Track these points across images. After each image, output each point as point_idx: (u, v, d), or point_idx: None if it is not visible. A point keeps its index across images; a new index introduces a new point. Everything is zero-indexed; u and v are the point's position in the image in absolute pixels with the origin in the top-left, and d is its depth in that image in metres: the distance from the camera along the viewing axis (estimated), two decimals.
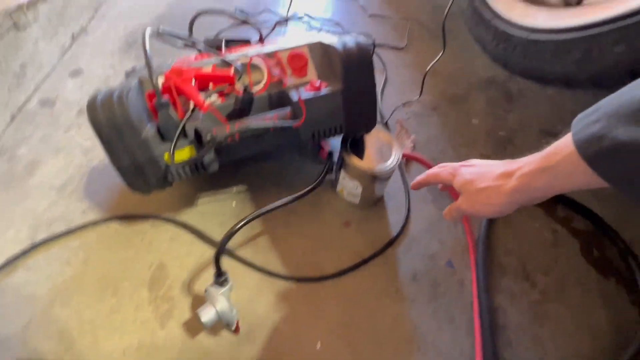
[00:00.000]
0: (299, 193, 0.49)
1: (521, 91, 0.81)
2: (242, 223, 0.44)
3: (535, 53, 0.39)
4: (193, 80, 0.42)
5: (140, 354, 0.42)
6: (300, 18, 0.95)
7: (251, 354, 0.43)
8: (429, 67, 0.71)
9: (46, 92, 0.68)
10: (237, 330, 0.43)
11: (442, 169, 0.43)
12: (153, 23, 0.88)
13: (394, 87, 0.80)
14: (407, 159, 0.64)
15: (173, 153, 0.39)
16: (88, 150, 0.60)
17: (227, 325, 0.43)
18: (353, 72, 0.43)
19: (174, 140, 0.39)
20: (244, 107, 0.43)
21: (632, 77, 0.26)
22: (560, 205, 0.62)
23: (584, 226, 0.60)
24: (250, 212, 0.48)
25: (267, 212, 0.47)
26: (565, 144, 0.29)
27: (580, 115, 0.28)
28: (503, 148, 0.70)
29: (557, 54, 0.36)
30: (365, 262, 0.52)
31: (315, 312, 0.47)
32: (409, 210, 0.58)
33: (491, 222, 0.58)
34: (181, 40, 0.49)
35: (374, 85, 0.45)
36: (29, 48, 0.66)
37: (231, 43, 0.58)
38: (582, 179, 0.28)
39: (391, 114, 0.72)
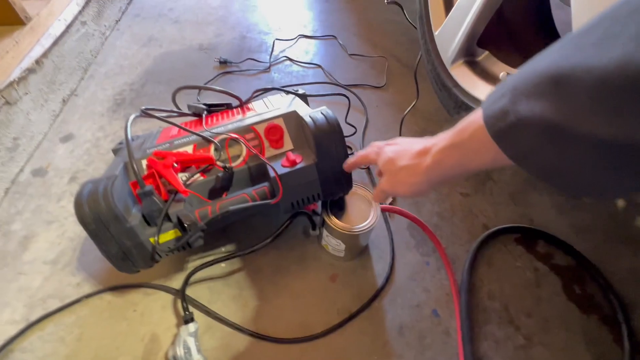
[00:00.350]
0: (261, 244, 0.51)
1: None
2: (204, 264, 0.51)
3: None
4: (174, 164, 0.45)
5: None
6: (282, 61, 0.99)
7: None
8: (404, 113, 0.74)
9: (38, 161, 0.71)
10: None
11: (369, 149, 0.42)
12: (140, 78, 0.92)
13: (376, 127, 0.83)
14: (392, 212, 0.66)
15: (157, 240, 0.41)
16: None
17: None
18: (325, 145, 0.45)
19: (158, 228, 0.41)
20: (224, 184, 0.46)
21: None
22: (541, 242, 0.64)
23: (565, 262, 0.61)
24: (239, 271, 0.50)
25: (230, 257, 0.52)
26: (475, 119, 0.27)
27: (493, 89, 0.26)
28: (482, 185, 0.72)
29: None
30: (352, 317, 0.53)
31: None
32: (392, 258, 0.60)
33: (473, 264, 0.60)
34: (165, 115, 0.52)
35: (345, 153, 0.47)
36: (21, 121, 0.69)
37: (213, 108, 0.62)
38: (490, 156, 0.26)
39: None
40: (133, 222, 0.41)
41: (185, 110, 0.59)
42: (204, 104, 0.60)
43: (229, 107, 0.62)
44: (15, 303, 0.52)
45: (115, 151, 0.55)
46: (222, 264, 0.57)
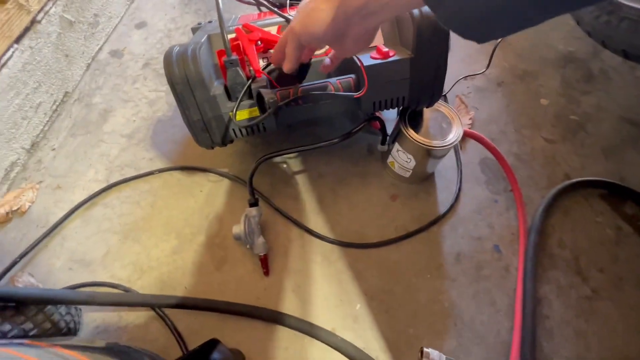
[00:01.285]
0: (330, 141, 0.49)
1: (604, 71, 0.72)
2: (271, 155, 0.50)
3: None
4: (258, 42, 0.42)
5: (197, 291, 0.47)
6: None
7: (296, 305, 0.46)
8: (496, 43, 0.65)
9: (115, 44, 0.72)
10: (266, 269, 0.47)
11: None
12: None
13: (457, 56, 0.74)
14: (465, 137, 0.61)
15: (235, 113, 0.40)
16: (153, 102, 0.64)
17: (252, 250, 0.47)
18: (427, 40, 0.40)
19: (239, 100, 0.40)
20: (302, 72, 0.43)
21: None
22: (630, 202, 0.57)
23: None
24: (301, 174, 0.50)
25: (299, 150, 0.51)
26: None
27: None
28: (572, 134, 0.64)
29: None
30: (409, 235, 0.52)
31: (356, 276, 0.49)
32: (459, 189, 0.57)
33: (548, 209, 0.55)
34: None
35: (446, 58, 0.42)
36: (103, 3, 0.69)
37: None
38: None
39: (451, 87, 0.68)
40: (216, 91, 0.41)
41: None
42: None
43: None
44: (98, 165, 0.56)
45: (194, 29, 0.53)
46: (285, 164, 0.57)
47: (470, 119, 0.64)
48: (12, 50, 0.50)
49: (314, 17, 0.31)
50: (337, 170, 0.58)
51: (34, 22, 0.54)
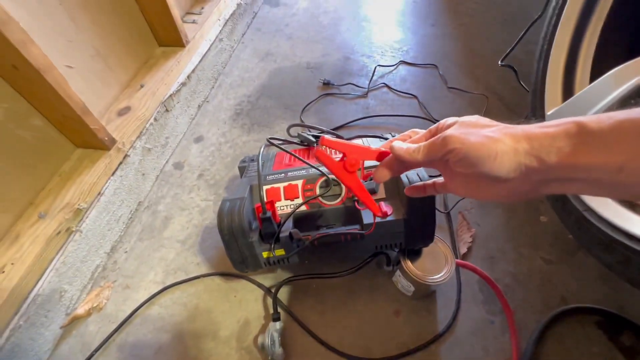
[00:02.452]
0: (343, 272, 0.61)
1: None
2: (293, 278, 0.63)
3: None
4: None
5: None
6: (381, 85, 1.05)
7: None
8: None
9: (178, 157, 0.91)
10: None
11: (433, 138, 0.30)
12: (256, 92, 1.08)
13: None
14: (468, 268, 0.69)
15: (274, 252, 0.53)
16: (203, 210, 0.80)
17: (272, 359, 0.56)
18: (416, 207, 0.51)
19: (273, 245, 0.53)
20: (319, 217, 0.55)
21: None
22: (629, 333, 0.60)
23: None
24: (318, 287, 0.60)
25: (315, 277, 0.64)
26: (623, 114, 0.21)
27: None
28: (570, 255, 0.69)
29: None
30: (409, 353, 0.59)
31: None
32: (457, 309, 0.63)
33: (542, 336, 0.60)
34: (282, 149, 0.63)
35: (433, 216, 0.52)
36: (171, 124, 0.89)
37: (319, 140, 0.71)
38: (621, 157, 0.20)
39: (454, 205, 0.77)
40: (253, 238, 0.54)
41: (294, 138, 0.71)
42: (313, 135, 0.71)
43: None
44: (157, 268, 0.71)
45: (241, 168, 0.69)
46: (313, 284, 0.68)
47: (471, 236, 0.72)
48: (108, 182, 0.68)
49: (493, 149, 0.25)
50: (349, 283, 0.67)
51: (125, 157, 0.72)
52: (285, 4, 1.44)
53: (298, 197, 0.58)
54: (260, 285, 0.67)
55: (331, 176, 0.57)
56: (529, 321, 0.62)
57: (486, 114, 0.95)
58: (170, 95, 0.86)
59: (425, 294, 0.64)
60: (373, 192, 0.56)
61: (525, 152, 0.24)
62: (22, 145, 0.59)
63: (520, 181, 0.25)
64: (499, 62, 0.78)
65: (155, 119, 0.81)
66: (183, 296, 0.67)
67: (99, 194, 0.66)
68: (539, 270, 0.68)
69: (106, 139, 0.67)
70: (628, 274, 0.40)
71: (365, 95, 1.04)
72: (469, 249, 0.71)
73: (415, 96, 1.02)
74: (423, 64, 1.12)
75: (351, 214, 0.56)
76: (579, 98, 0.44)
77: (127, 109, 0.77)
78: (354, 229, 0.54)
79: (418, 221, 0.52)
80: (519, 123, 0.27)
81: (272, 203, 0.56)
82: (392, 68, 1.12)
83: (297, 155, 0.61)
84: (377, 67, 1.10)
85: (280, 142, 0.65)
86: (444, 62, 1.12)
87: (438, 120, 0.93)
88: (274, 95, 1.07)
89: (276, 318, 0.59)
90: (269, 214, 0.53)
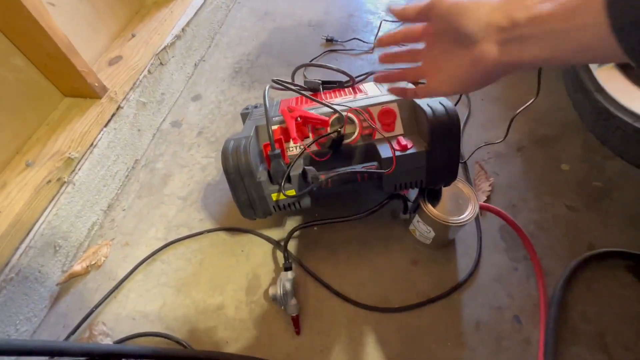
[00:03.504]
0: (357, 215, 0.57)
1: None
2: (304, 225, 0.59)
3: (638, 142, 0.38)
4: (298, 118, 0.51)
5: (238, 346, 0.53)
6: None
7: None
8: (518, 111, 0.70)
9: (175, 115, 0.85)
10: (297, 329, 0.52)
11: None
12: (256, 50, 1.01)
13: (477, 123, 0.80)
14: (491, 211, 0.65)
15: (284, 191, 0.48)
16: (205, 167, 0.75)
17: (285, 310, 0.53)
18: (440, 136, 0.46)
19: (282, 184, 0.48)
20: (334, 146, 0.50)
21: None
22: None
23: None
24: (330, 238, 0.56)
25: (328, 222, 0.60)
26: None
27: None
28: (597, 202, 0.65)
29: None
30: (430, 301, 0.56)
31: (379, 340, 0.53)
32: (479, 256, 0.60)
33: (569, 282, 0.56)
34: (290, 89, 0.58)
35: (458, 149, 0.48)
36: (167, 79, 0.83)
37: (327, 85, 0.66)
38: (591, 39, 0.22)
39: (471, 154, 0.72)
40: (261, 178, 0.49)
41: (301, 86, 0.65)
42: (320, 80, 0.65)
43: (341, 85, 0.66)
44: (158, 225, 0.67)
45: (243, 115, 0.64)
46: (315, 227, 0.64)
47: (490, 185, 0.68)
48: (102, 133, 0.63)
49: (470, 7, 0.28)
50: (363, 234, 0.63)
51: (118, 108, 0.67)
52: None
53: (308, 137, 0.53)
54: (268, 239, 0.63)
55: (346, 113, 0.52)
56: (555, 267, 0.58)
57: None
58: (165, 48, 0.80)
59: (445, 241, 0.60)
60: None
61: (497, 12, 0.27)
62: (4, 86, 0.53)
63: (488, 44, 0.27)
64: None
65: (149, 72, 0.75)
66: (187, 252, 0.63)
67: (92, 145, 0.61)
68: (563, 218, 0.64)
69: (96, 84, 0.62)
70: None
71: (371, 51, 0.98)
72: (488, 197, 0.67)
73: None
74: None
75: (368, 151, 0.52)
76: None
77: (119, 58, 0.71)
78: (371, 165, 0.49)
79: (442, 153, 0.47)
80: None
81: (281, 141, 0.51)
82: (398, 24, 1.05)
83: (306, 94, 0.56)
84: (383, 22, 1.04)
85: (286, 84, 0.59)
86: None
87: None
88: (274, 53, 1.01)
89: (288, 267, 0.56)
90: (278, 151, 0.48)
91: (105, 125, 0.64)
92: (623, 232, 0.61)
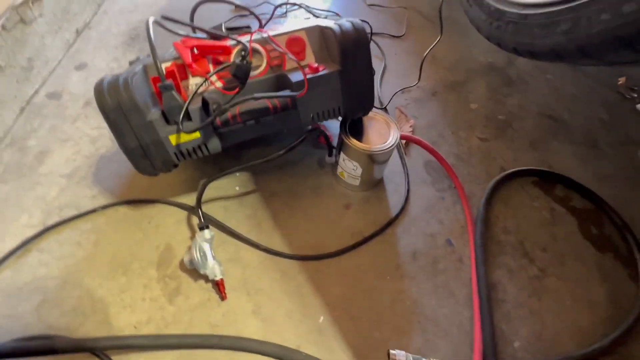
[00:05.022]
0: (277, 153, 0.52)
1: (520, 76, 0.82)
2: (218, 176, 0.52)
3: (526, 28, 0.40)
4: (194, 50, 0.44)
5: (150, 328, 0.43)
6: (297, 8, 0.96)
7: (257, 326, 0.44)
8: (426, 53, 0.72)
9: (53, 86, 0.70)
10: (223, 294, 0.45)
11: None
12: (156, 16, 0.90)
13: (393, 74, 0.81)
14: (406, 142, 0.65)
15: (184, 128, 0.40)
16: (95, 139, 0.62)
17: (207, 275, 0.45)
18: (350, 52, 0.44)
19: (181, 121, 0.40)
20: (241, 75, 0.44)
21: (618, 45, 0.26)
22: (560, 186, 0.63)
23: (582, 205, 0.60)
24: (253, 193, 0.50)
25: (244, 168, 0.55)
26: None
27: None
28: (502, 132, 0.70)
29: (547, 26, 0.37)
30: (365, 240, 0.53)
31: (318, 288, 0.48)
32: (408, 191, 0.59)
33: (490, 201, 0.59)
34: (184, 25, 0.50)
35: (370, 66, 0.46)
36: (36, 43, 0.68)
37: (233, 31, 0.60)
38: None
39: (390, 100, 0.73)
40: (153, 117, 0.41)
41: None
42: (226, 28, 0.59)
43: (248, 29, 0.60)
44: (33, 210, 0.53)
45: (132, 62, 0.54)
46: (237, 187, 0.57)
47: (411, 126, 0.69)
48: None
49: None
50: (290, 186, 0.58)
51: None
52: None
53: (209, 71, 0.46)
54: (181, 205, 0.54)
55: (249, 42, 0.46)
56: (475, 191, 0.60)
57: (407, 23, 0.93)
58: (26, 1, 0.65)
59: (374, 179, 0.58)
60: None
61: None
62: None
63: None
64: None
65: (3, 27, 0.60)
66: (75, 235, 0.51)
67: None
68: (477, 148, 0.67)
69: None
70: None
71: (284, 16, 0.94)
72: (413, 129, 0.67)
73: (337, 14, 0.96)
74: None
75: (279, 82, 0.47)
76: None
77: None
78: (283, 94, 0.44)
79: (355, 72, 0.45)
80: None
81: (174, 76, 0.43)
82: None
83: (205, 29, 0.49)
84: None
85: (178, 21, 0.51)
86: None
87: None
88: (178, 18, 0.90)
89: (203, 227, 0.48)
90: (169, 82, 0.41)
91: None
92: (526, 153, 0.67)
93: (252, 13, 0.57)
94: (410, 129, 0.68)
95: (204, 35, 0.50)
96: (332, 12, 0.96)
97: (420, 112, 0.73)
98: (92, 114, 0.66)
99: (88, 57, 0.77)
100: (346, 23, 0.45)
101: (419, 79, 0.74)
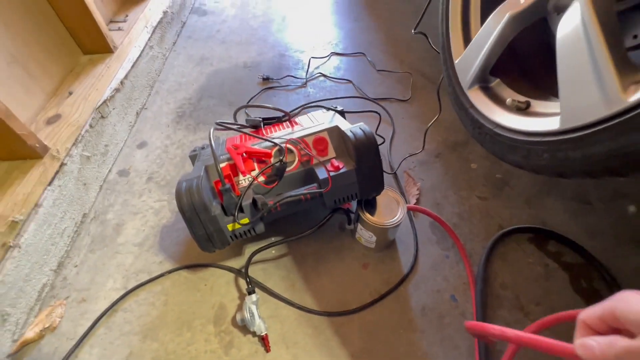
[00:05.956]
0: (307, 232, 0.64)
1: None
2: (261, 249, 0.65)
3: (498, 143, 0.51)
4: (244, 154, 0.58)
5: None
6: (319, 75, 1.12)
7: None
8: (428, 125, 0.84)
9: (122, 164, 0.86)
10: (267, 347, 0.56)
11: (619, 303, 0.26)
12: (196, 94, 1.07)
13: (401, 138, 0.93)
14: (418, 211, 0.76)
15: (237, 219, 0.54)
16: (158, 211, 0.77)
17: (254, 331, 0.57)
18: (363, 155, 0.56)
19: (236, 214, 0.54)
20: (279, 172, 0.57)
21: (559, 176, 0.37)
22: (553, 242, 0.72)
23: (573, 260, 0.69)
24: (287, 257, 0.62)
25: (282, 242, 0.67)
26: None
27: None
28: (499, 190, 0.80)
29: (512, 148, 0.48)
30: (381, 298, 0.63)
31: (343, 341, 0.59)
32: (417, 250, 0.70)
33: (488, 258, 0.68)
34: (232, 129, 0.65)
35: (380, 162, 0.58)
36: (109, 130, 0.85)
37: (267, 121, 0.74)
38: None
39: (399, 166, 0.85)
40: (216, 212, 0.54)
41: (243, 124, 0.73)
42: (261, 118, 0.73)
43: (279, 120, 0.74)
44: (116, 275, 0.67)
45: (192, 157, 0.69)
46: (273, 250, 0.70)
47: (417, 189, 0.80)
48: (46, 192, 0.63)
49: None
50: (316, 249, 0.70)
51: (62, 165, 0.68)
52: (213, 13, 1.46)
53: (255, 169, 0.60)
54: (229, 269, 0.67)
55: (285, 144, 0.60)
56: (476, 249, 0.70)
57: (413, 87, 1.06)
58: (105, 101, 0.82)
59: (387, 242, 0.69)
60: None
61: None
62: None
63: None
64: (412, 31, 0.89)
65: (90, 126, 0.77)
66: (149, 296, 0.64)
67: (37, 205, 0.61)
68: (477, 207, 0.77)
69: (37, 145, 0.63)
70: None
71: (304, 85, 1.10)
72: (418, 200, 0.78)
73: (350, 81, 1.11)
74: (352, 53, 1.22)
75: (308, 176, 0.60)
76: (475, 42, 0.55)
77: (57, 117, 0.72)
78: (311, 187, 0.57)
79: (367, 168, 0.57)
80: None
81: (230, 177, 0.57)
82: (325, 59, 1.19)
83: (247, 131, 0.63)
84: (311, 59, 1.17)
85: (228, 125, 0.66)
86: (371, 49, 1.23)
87: (373, 99, 1.03)
88: (215, 94, 1.07)
89: (251, 291, 0.60)
90: (228, 185, 0.54)
91: (49, 184, 0.64)
92: (521, 211, 0.76)
93: (282, 111, 0.71)
94: (417, 192, 0.79)
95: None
96: (345, 79, 1.11)
97: (426, 174, 0.84)
98: (154, 189, 0.81)
99: (146, 136, 0.94)
100: (359, 131, 0.57)
101: (423, 147, 0.86)
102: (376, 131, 0.90)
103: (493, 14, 0.51)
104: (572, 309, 0.63)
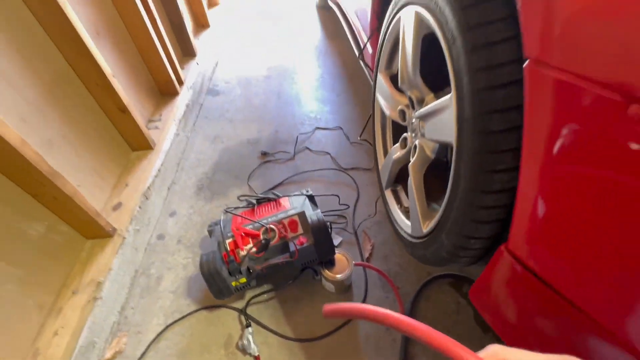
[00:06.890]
0: (287, 283, 0.93)
1: None
2: (257, 294, 0.90)
3: (401, 238, 0.81)
4: (243, 234, 0.90)
5: None
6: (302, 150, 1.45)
7: None
8: (379, 196, 1.14)
9: (159, 230, 1.20)
10: None
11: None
12: (211, 169, 1.42)
13: (364, 201, 1.24)
14: (362, 266, 1.05)
15: (239, 281, 0.85)
16: (185, 266, 1.09)
17: (250, 353, 0.85)
18: (317, 233, 0.87)
19: (237, 277, 0.85)
20: (264, 246, 0.89)
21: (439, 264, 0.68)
22: (466, 284, 0.99)
23: None
24: (274, 300, 0.93)
25: (271, 290, 0.95)
26: None
27: None
28: None
29: (426, 244, 0.78)
30: (338, 329, 0.92)
31: (310, 359, 0.87)
32: (366, 293, 0.99)
33: (416, 298, 0.96)
34: (235, 214, 0.97)
35: (329, 237, 0.89)
36: (151, 207, 1.19)
37: (260, 200, 1.07)
38: None
39: (358, 226, 1.15)
40: (224, 275, 0.86)
41: (242, 203, 1.05)
42: (256, 197, 1.06)
43: (269, 200, 1.06)
44: (159, 314, 0.98)
45: (209, 231, 1.01)
46: (265, 295, 1.00)
47: (371, 245, 1.10)
48: (115, 259, 0.96)
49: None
50: (295, 294, 1.00)
51: (123, 239, 1.01)
52: (224, 92, 1.85)
53: (249, 243, 0.91)
54: (234, 309, 0.97)
55: (269, 225, 0.92)
56: (410, 291, 0.98)
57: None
58: (148, 187, 1.17)
59: (344, 288, 0.98)
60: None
61: None
62: (52, 244, 0.86)
63: None
64: (358, 137, 1.22)
65: (139, 207, 1.11)
66: (181, 329, 0.95)
67: (110, 269, 0.94)
68: (413, 259, 1.06)
69: (110, 229, 0.97)
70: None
71: (293, 158, 1.43)
72: (371, 254, 1.08)
73: (328, 153, 1.43)
74: (332, 127, 1.56)
75: (284, 247, 0.91)
76: (389, 154, 0.86)
77: (120, 205, 1.07)
78: (285, 256, 0.88)
79: (321, 242, 0.88)
80: None
81: (233, 251, 0.89)
82: (310, 134, 1.53)
83: (244, 216, 0.96)
84: (299, 136, 1.51)
85: (233, 208, 0.98)
86: (347, 123, 1.57)
87: (345, 170, 1.34)
88: (225, 169, 1.42)
89: (247, 325, 0.90)
90: (232, 258, 0.86)
91: (116, 253, 0.98)
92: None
93: (274, 194, 1.03)
94: (371, 248, 1.09)
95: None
96: (325, 151, 1.44)
97: (380, 232, 1.14)
98: (182, 249, 1.14)
99: (175, 206, 1.28)
100: (315, 217, 0.89)
101: (375, 213, 1.16)
102: (355, 204, 1.21)
103: (396, 144, 0.84)
104: (470, 335, 0.90)
